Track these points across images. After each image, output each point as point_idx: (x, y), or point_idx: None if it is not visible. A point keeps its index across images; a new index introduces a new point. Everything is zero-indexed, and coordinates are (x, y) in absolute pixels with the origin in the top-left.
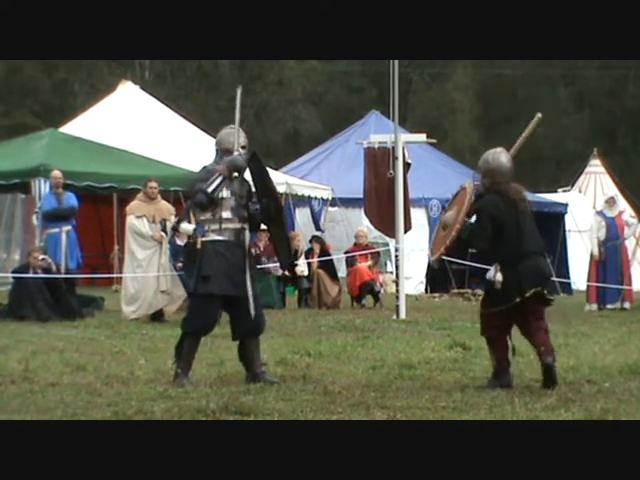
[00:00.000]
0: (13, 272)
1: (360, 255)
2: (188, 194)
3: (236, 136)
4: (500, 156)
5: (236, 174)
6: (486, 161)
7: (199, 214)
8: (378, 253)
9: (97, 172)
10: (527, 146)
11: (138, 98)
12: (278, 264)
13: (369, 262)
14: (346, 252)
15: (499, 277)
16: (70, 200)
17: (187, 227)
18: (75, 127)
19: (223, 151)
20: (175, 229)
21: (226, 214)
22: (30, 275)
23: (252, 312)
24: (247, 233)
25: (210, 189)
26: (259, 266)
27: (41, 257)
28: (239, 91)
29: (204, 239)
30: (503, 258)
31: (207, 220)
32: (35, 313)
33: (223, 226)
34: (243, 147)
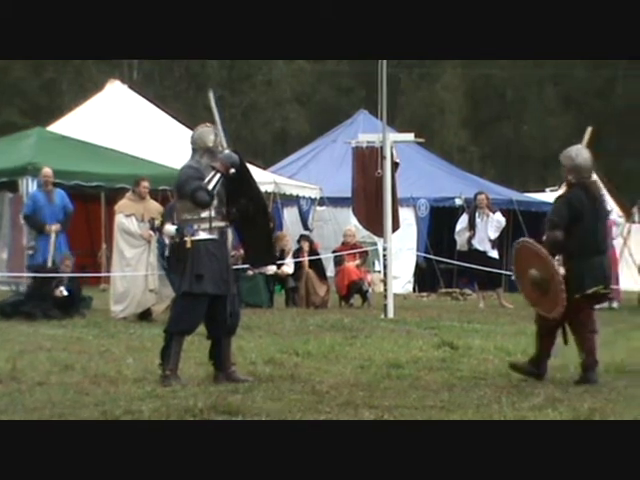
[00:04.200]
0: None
1: (348, 254)
2: (182, 194)
3: (221, 135)
4: (584, 152)
5: (233, 170)
6: (570, 158)
7: (185, 214)
8: (366, 252)
9: (85, 171)
10: (515, 146)
11: (126, 97)
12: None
13: (357, 261)
14: (334, 251)
15: (561, 271)
16: (63, 200)
17: (171, 229)
18: (63, 126)
19: (203, 149)
20: (159, 230)
21: (213, 213)
22: (14, 274)
23: (236, 310)
24: (230, 232)
25: (210, 186)
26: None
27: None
28: (211, 94)
29: (194, 238)
30: (572, 251)
31: (195, 219)
32: (43, 312)
33: (213, 225)
34: (215, 147)
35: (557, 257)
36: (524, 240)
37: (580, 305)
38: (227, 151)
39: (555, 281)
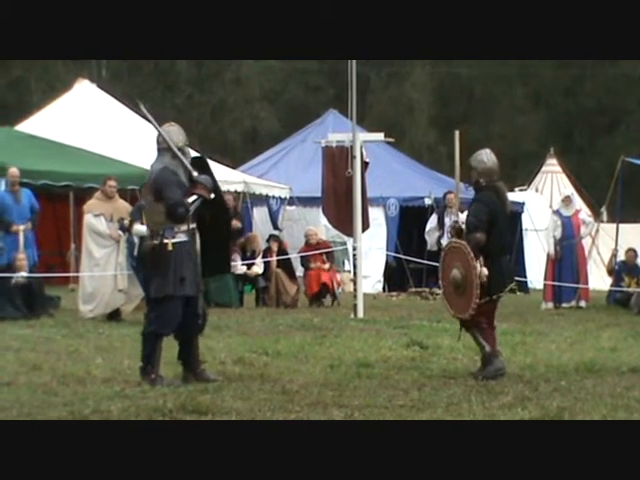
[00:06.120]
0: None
1: (313, 255)
2: (159, 197)
3: (167, 138)
4: (493, 156)
5: (212, 195)
6: (482, 161)
7: (163, 216)
8: (332, 252)
9: (53, 170)
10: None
11: (95, 96)
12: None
13: (326, 265)
14: (299, 252)
15: (485, 271)
16: (30, 200)
17: (140, 228)
18: (31, 125)
19: (171, 149)
20: (128, 230)
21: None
22: None
23: (205, 310)
24: (197, 234)
25: (191, 208)
26: None
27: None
28: (142, 107)
29: (174, 240)
30: (489, 251)
31: None
32: (17, 312)
33: (191, 226)
34: (184, 147)
35: (480, 258)
36: (452, 241)
37: (488, 302)
38: (203, 175)
39: (474, 281)
